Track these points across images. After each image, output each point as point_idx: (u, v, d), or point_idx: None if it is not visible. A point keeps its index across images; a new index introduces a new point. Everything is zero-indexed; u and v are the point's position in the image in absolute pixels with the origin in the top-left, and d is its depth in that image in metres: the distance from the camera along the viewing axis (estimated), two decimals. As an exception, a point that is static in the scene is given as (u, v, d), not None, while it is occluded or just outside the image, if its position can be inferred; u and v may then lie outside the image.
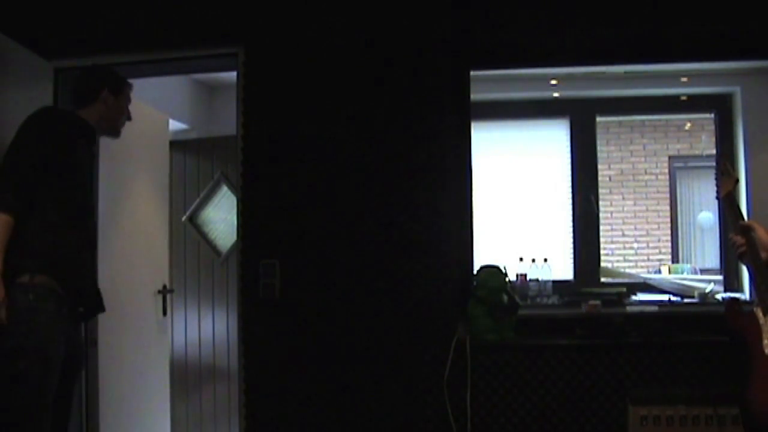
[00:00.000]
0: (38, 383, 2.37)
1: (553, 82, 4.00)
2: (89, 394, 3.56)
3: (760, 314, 2.38)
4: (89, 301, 2.74)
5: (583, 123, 4.10)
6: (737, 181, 2.33)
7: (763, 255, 2.26)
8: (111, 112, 2.85)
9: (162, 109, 4.41)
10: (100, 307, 2.84)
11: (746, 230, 2.26)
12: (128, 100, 2.94)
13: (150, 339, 4.08)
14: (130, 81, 3.05)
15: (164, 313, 4.20)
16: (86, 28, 3.42)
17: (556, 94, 4.10)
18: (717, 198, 2.76)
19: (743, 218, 2.30)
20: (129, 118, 2.95)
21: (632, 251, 7.14)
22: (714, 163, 4.37)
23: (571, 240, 3.99)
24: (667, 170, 7.39)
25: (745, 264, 2.51)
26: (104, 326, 3.63)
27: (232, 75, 3.41)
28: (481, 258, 3.33)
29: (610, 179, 7.44)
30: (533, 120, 4.22)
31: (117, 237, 3.81)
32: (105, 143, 3.71)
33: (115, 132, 2.94)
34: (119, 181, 3.86)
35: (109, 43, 3.41)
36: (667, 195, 7.29)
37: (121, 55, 3.43)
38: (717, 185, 2.77)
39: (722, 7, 3.10)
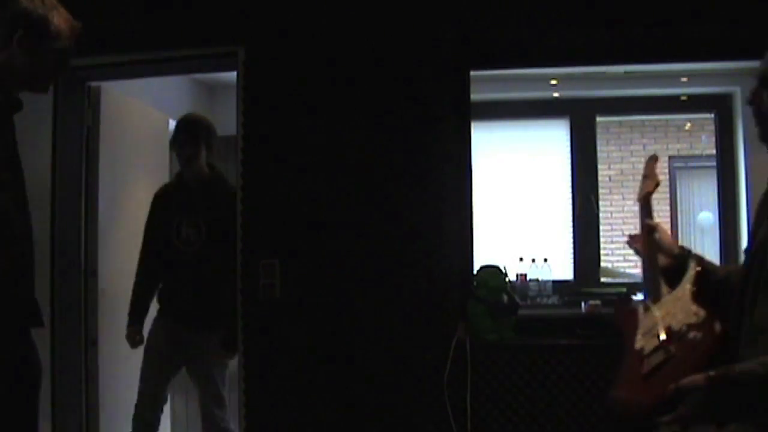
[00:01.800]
0: None
1: (553, 82, 4.00)
2: (89, 393, 3.57)
3: (641, 309, 2.26)
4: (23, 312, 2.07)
5: (583, 123, 4.11)
6: (658, 184, 2.28)
7: (662, 260, 2.16)
8: (33, 62, 2.01)
9: (162, 109, 4.41)
10: (34, 319, 2.09)
11: (651, 230, 2.20)
12: (64, 44, 2.08)
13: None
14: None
15: (164, 313, 4.20)
16: (85, 28, 3.40)
17: (556, 94, 4.10)
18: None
19: (652, 218, 2.24)
20: (64, 69, 2.14)
21: (632, 251, 7.12)
22: (714, 164, 4.38)
23: (571, 240, 3.99)
24: (667, 170, 7.38)
25: (641, 258, 2.36)
26: (104, 326, 3.64)
27: (232, 75, 3.41)
28: (481, 258, 3.33)
29: (610, 179, 7.43)
30: (533, 120, 4.23)
31: (117, 237, 3.82)
32: (105, 144, 3.72)
33: (40, 87, 2.12)
34: (119, 180, 3.87)
35: (109, 43, 3.40)
36: (667, 195, 7.29)
37: (121, 55, 3.43)
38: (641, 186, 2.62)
39: (722, 7, 3.10)
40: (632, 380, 1.71)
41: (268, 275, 3.24)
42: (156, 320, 3.53)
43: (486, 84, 3.70)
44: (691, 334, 1.63)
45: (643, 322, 1.89)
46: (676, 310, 1.81)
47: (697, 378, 1.36)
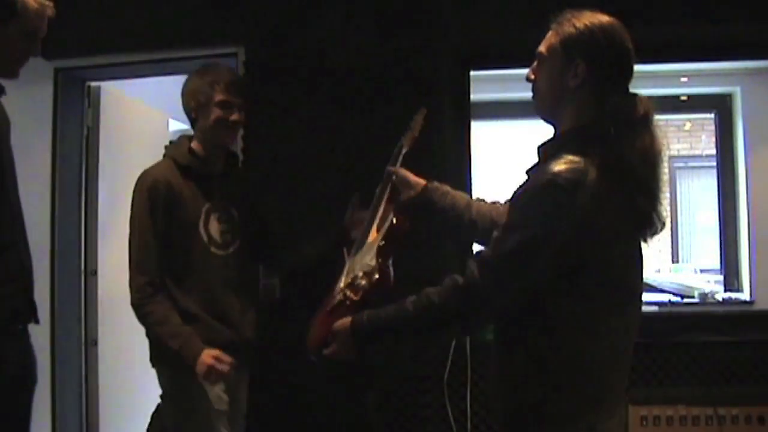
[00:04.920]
0: None
1: (553, 81, 4.00)
2: (89, 394, 3.57)
3: (346, 254, 2.15)
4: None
5: (584, 123, 4.10)
6: (414, 138, 2.27)
7: (409, 193, 2.17)
8: (2, 43, 1.96)
9: (162, 109, 4.41)
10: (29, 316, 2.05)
11: (392, 174, 2.23)
12: (33, 25, 2.02)
13: (150, 339, 4.08)
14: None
15: (164, 313, 4.19)
16: (86, 28, 3.41)
17: (556, 94, 4.10)
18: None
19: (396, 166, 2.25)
20: (35, 53, 2.07)
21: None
22: (714, 164, 4.38)
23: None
24: (667, 170, 7.37)
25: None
26: (104, 326, 3.64)
27: (232, 75, 3.41)
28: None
29: (610, 179, 7.41)
30: (533, 120, 4.22)
31: (117, 237, 3.80)
32: (105, 144, 3.72)
33: (10, 71, 2.05)
34: (119, 180, 3.86)
35: (109, 43, 3.41)
36: (667, 195, 7.28)
37: (121, 55, 3.43)
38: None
39: (722, 7, 3.10)
40: (320, 316, 1.94)
41: (268, 275, 3.23)
42: (180, 366, 2.33)
43: (486, 84, 3.70)
44: (359, 281, 1.88)
45: (344, 265, 2.05)
46: (364, 257, 1.99)
47: (344, 321, 1.68)
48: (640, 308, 1.64)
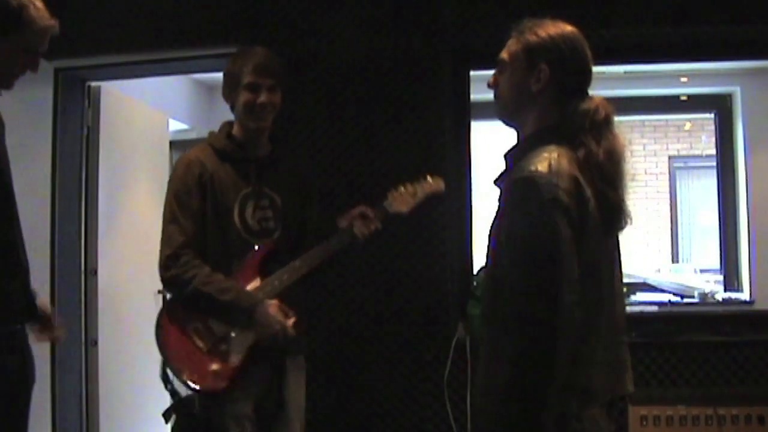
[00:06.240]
0: None
1: (553, 82, 4.00)
2: (89, 394, 3.57)
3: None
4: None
5: (583, 123, 4.10)
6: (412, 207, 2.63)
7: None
8: (3, 55, 1.95)
9: (162, 109, 4.41)
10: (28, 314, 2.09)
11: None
12: (34, 41, 2.00)
13: (150, 339, 4.07)
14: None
15: (164, 313, 4.20)
16: (86, 28, 3.41)
17: (555, 94, 4.10)
18: None
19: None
20: (33, 68, 2.05)
21: (632, 251, 7.13)
22: (714, 164, 4.39)
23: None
24: (667, 170, 7.39)
25: None
26: (104, 326, 3.64)
27: (232, 75, 3.40)
28: (480, 258, 3.32)
29: (610, 179, 7.41)
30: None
31: (117, 237, 3.82)
32: (105, 144, 3.72)
33: (6, 83, 2.05)
34: (119, 181, 3.87)
35: (109, 43, 3.41)
36: (667, 195, 7.29)
37: (121, 55, 3.43)
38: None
39: (722, 7, 3.10)
40: (196, 362, 2.12)
41: (268, 275, 3.23)
42: None
43: (486, 84, 3.70)
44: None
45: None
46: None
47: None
48: (622, 305, 1.69)
